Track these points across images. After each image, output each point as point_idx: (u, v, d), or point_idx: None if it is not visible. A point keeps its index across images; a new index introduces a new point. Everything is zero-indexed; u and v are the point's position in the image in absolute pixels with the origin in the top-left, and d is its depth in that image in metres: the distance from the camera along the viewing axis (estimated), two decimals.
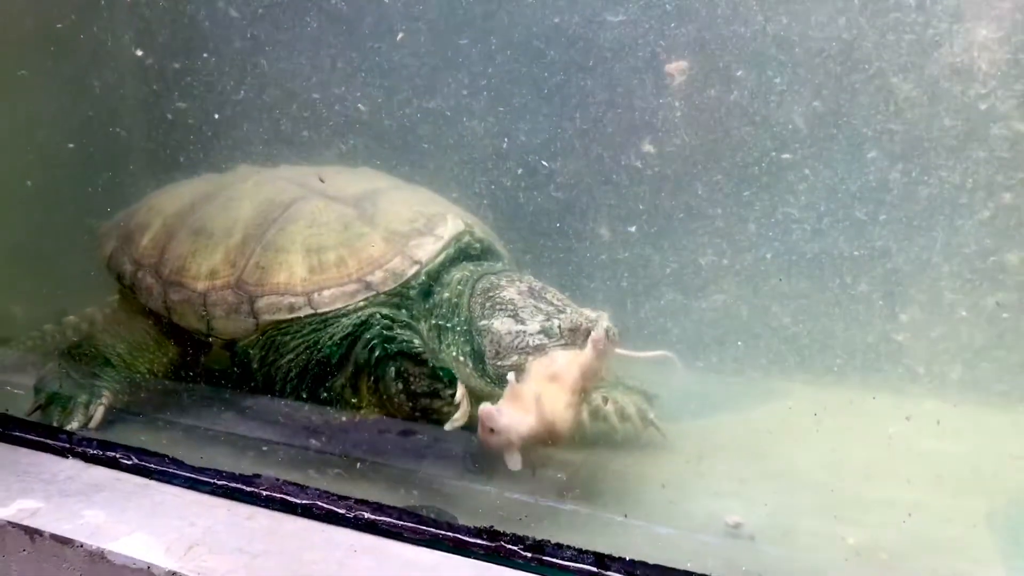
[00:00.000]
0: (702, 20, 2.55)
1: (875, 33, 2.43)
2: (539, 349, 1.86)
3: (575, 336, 1.84)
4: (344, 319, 2.07)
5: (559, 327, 1.87)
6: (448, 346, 2.05)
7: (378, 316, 2.02)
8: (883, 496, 1.96)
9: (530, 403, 1.66)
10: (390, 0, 2.86)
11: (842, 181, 2.56)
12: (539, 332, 1.89)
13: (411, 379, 1.86)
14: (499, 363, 1.91)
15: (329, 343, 2.03)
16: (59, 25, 3.02)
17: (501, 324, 1.94)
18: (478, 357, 1.98)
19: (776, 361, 2.70)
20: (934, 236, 2.49)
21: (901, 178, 2.50)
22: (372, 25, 2.91)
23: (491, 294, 2.03)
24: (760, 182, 2.62)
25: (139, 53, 3.14)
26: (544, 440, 1.66)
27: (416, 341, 1.94)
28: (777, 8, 2.48)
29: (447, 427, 1.76)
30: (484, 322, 1.97)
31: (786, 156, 2.58)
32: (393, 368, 1.88)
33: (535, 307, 1.95)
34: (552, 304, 1.97)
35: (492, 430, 1.62)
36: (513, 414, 1.63)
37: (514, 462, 1.64)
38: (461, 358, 2.02)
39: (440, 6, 2.83)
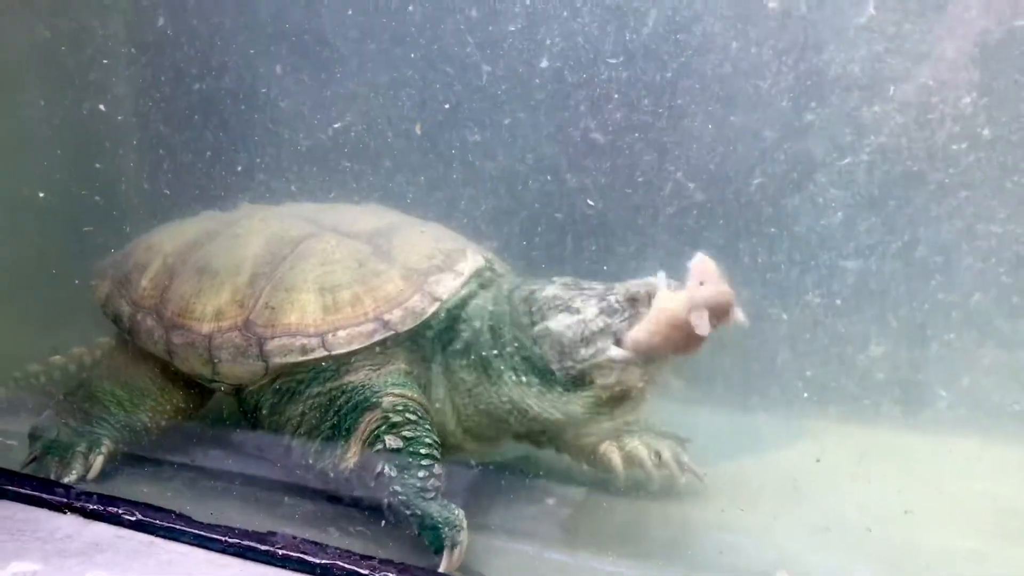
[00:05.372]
0: None
1: None
2: (605, 332, 1.75)
3: (636, 306, 1.73)
4: (361, 374, 1.96)
5: (617, 301, 1.76)
6: (500, 375, 1.90)
7: (392, 399, 1.89)
8: (937, 545, 1.87)
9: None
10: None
11: (870, 215, 2.50)
12: (599, 315, 1.76)
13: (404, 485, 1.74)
14: (568, 364, 1.79)
15: (343, 408, 1.92)
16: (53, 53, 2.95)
17: (557, 322, 1.81)
18: (542, 370, 1.84)
19: (803, 399, 2.61)
20: (969, 269, 2.43)
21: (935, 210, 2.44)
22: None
23: (532, 298, 1.89)
24: (787, 217, 2.56)
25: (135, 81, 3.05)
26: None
27: (426, 440, 1.80)
28: None
29: (442, 568, 1.63)
30: (539, 327, 1.84)
31: (809, 188, 2.53)
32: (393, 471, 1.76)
33: (583, 294, 1.83)
34: (594, 288, 1.85)
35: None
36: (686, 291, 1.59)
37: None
38: (524, 379, 1.87)
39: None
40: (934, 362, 2.50)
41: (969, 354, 2.47)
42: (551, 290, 1.88)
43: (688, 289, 1.56)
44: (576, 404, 1.83)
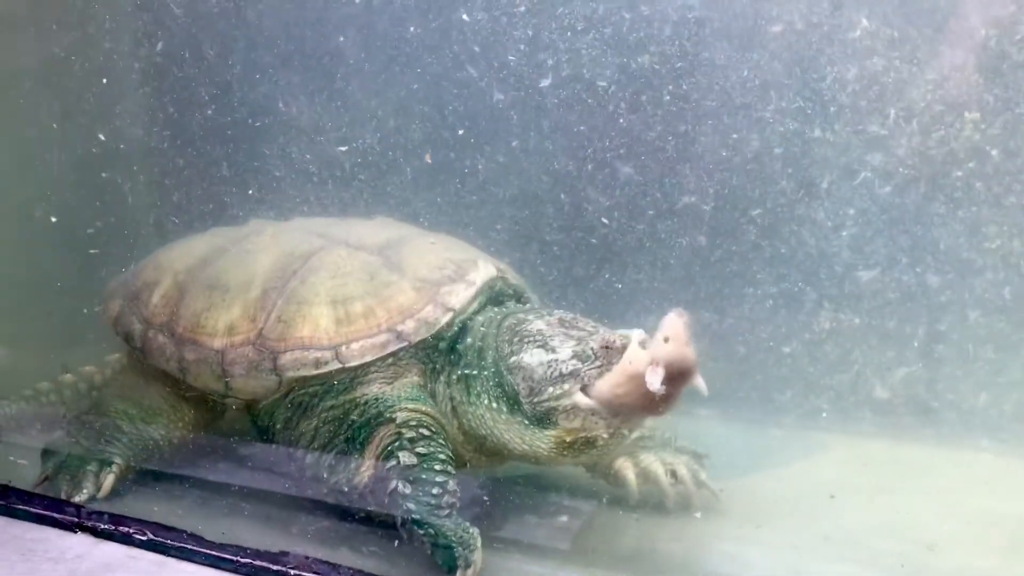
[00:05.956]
0: None
1: None
2: (573, 376, 1.73)
3: (610, 355, 1.71)
4: (374, 387, 1.96)
5: (592, 349, 1.74)
6: (478, 396, 1.90)
7: (406, 414, 1.88)
8: (954, 564, 1.84)
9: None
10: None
11: (883, 232, 2.49)
12: (572, 358, 1.75)
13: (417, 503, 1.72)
14: (535, 400, 1.78)
15: (357, 422, 1.91)
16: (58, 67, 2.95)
17: (532, 357, 1.81)
18: (512, 400, 1.83)
19: (815, 412, 2.60)
20: (983, 285, 2.41)
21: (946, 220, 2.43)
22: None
23: (518, 329, 1.90)
24: (800, 236, 2.54)
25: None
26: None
27: (440, 456, 1.78)
28: None
29: None
30: (514, 359, 1.84)
31: (821, 207, 2.52)
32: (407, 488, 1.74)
33: (565, 335, 1.82)
34: (584, 330, 1.84)
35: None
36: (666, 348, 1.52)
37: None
38: (495, 405, 1.86)
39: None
40: (951, 378, 2.49)
41: (987, 370, 2.45)
42: (538, 324, 1.89)
43: (652, 344, 1.54)
44: (541, 441, 1.81)
